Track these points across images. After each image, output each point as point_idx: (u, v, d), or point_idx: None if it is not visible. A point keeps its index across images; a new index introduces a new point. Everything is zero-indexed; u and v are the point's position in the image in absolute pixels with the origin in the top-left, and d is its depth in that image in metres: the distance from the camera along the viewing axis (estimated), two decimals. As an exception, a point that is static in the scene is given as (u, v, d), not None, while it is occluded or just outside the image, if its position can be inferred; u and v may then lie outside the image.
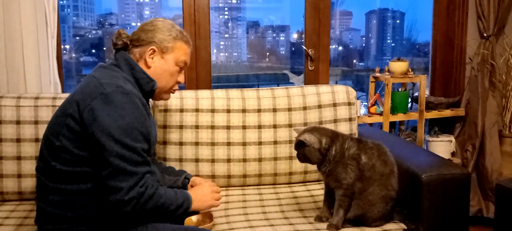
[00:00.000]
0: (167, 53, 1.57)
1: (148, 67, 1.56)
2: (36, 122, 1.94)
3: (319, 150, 1.62)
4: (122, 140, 1.35)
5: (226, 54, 3.94)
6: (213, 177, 2.04)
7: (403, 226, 1.67)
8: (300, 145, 1.64)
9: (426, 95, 2.90)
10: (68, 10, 3.72)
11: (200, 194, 1.62)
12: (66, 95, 2.02)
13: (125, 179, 1.35)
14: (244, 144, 2.06)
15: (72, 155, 1.40)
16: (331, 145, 1.62)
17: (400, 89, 2.97)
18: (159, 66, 1.57)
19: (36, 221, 1.49)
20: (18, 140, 1.93)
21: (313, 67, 2.90)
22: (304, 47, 2.89)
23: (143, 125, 1.42)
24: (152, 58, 1.56)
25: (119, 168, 1.35)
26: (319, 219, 1.72)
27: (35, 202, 1.50)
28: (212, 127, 2.04)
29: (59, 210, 1.43)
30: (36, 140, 1.94)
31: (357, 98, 2.35)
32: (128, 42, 1.57)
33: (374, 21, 4.38)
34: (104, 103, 1.36)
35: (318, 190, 2.06)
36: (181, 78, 1.65)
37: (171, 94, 1.71)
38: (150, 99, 1.69)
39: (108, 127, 1.34)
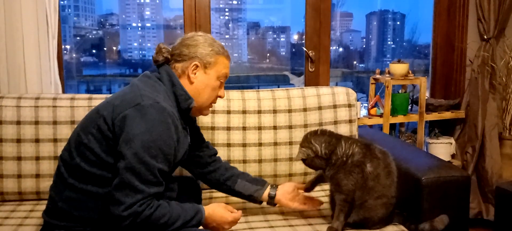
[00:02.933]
0: (209, 68, 1.55)
1: (191, 82, 1.54)
2: (36, 122, 1.94)
3: (317, 156, 1.61)
4: (141, 155, 1.33)
5: (227, 55, 3.93)
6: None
7: (403, 228, 1.67)
8: (303, 161, 1.65)
9: (426, 97, 2.90)
10: (69, 10, 3.72)
11: (219, 215, 1.53)
12: (65, 95, 2.02)
13: (130, 195, 1.32)
14: (244, 145, 2.06)
15: (97, 157, 1.40)
16: (332, 149, 1.60)
17: (400, 91, 2.97)
18: (202, 81, 1.55)
19: (45, 213, 1.49)
20: (18, 140, 1.93)
21: (313, 69, 2.90)
22: (305, 49, 2.89)
23: (168, 146, 1.39)
24: (195, 73, 1.54)
25: (128, 182, 1.32)
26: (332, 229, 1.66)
27: (49, 192, 1.49)
28: (212, 128, 2.04)
29: (71, 208, 1.42)
30: (36, 141, 1.94)
31: (357, 100, 2.35)
32: (169, 57, 1.55)
33: (375, 23, 4.38)
34: (137, 114, 1.36)
35: (318, 192, 2.05)
36: (222, 92, 1.63)
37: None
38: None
39: (132, 138, 1.33)
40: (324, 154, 1.60)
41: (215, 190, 1.83)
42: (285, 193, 1.76)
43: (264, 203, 1.77)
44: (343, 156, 1.59)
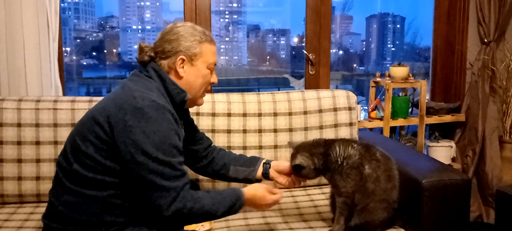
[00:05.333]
0: (196, 59, 1.52)
1: (180, 77, 1.52)
2: (37, 125, 1.94)
3: (315, 169, 1.61)
4: (156, 156, 1.34)
5: (227, 57, 3.94)
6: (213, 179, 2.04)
7: (403, 231, 1.67)
8: (297, 169, 1.63)
9: (426, 101, 2.90)
10: (69, 12, 3.72)
11: (259, 196, 1.55)
12: (66, 98, 2.03)
13: (163, 195, 1.34)
14: (244, 147, 2.06)
15: (97, 163, 1.39)
16: (325, 159, 1.60)
17: (400, 94, 2.97)
18: (191, 73, 1.53)
19: (44, 217, 1.48)
20: (19, 143, 1.93)
21: (313, 72, 2.90)
22: (305, 51, 2.89)
23: (175, 139, 1.40)
24: (183, 67, 1.52)
25: (156, 184, 1.34)
26: None
27: (48, 196, 1.49)
28: (213, 131, 2.04)
29: (70, 211, 1.42)
30: (37, 143, 1.94)
31: (358, 103, 2.35)
32: (153, 55, 1.53)
33: (375, 26, 4.38)
34: (138, 118, 1.35)
35: (318, 195, 2.05)
36: (214, 78, 1.61)
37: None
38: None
39: (143, 144, 1.33)
40: (319, 166, 1.61)
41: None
42: (280, 172, 1.75)
43: (263, 179, 1.78)
44: (338, 159, 1.59)
